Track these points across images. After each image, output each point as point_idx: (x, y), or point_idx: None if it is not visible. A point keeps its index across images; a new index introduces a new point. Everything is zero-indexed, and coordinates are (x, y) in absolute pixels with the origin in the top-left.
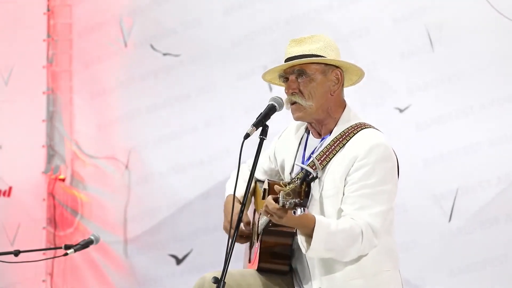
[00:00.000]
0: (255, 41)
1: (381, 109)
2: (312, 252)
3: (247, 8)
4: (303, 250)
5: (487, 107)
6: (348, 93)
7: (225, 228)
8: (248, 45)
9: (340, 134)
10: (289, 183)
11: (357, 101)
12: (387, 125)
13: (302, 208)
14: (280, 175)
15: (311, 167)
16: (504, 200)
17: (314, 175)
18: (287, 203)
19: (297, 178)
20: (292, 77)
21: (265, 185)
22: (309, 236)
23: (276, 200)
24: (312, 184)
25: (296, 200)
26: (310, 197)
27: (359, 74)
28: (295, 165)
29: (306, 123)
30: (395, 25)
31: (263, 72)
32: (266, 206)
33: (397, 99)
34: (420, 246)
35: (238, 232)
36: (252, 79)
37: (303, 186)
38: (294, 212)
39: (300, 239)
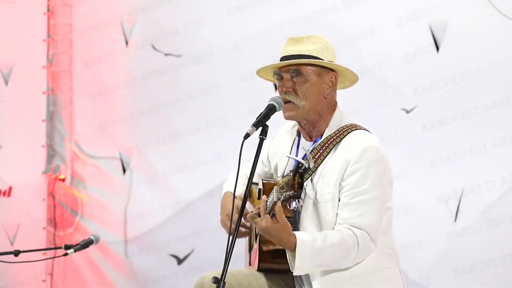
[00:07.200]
0: (260, 41)
1: (387, 110)
2: (298, 271)
3: (251, 9)
4: (290, 268)
5: (492, 107)
6: (355, 94)
7: (222, 222)
8: (252, 45)
9: (331, 135)
10: (282, 177)
11: (364, 102)
12: (394, 126)
13: (297, 200)
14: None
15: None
16: (509, 200)
17: (306, 166)
18: (282, 196)
19: (290, 171)
20: (287, 76)
21: (260, 185)
22: (293, 254)
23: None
24: (306, 186)
25: (290, 193)
26: (303, 189)
27: (352, 79)
28: (287, 166)
29: (298, 126)
30: (400, 26)
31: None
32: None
33: (404, 100)
34: (426, 245)
35: (238, 230)
36: (256, 80)
37: (296, 178)
38: (289, 205)
39: (288, 255)
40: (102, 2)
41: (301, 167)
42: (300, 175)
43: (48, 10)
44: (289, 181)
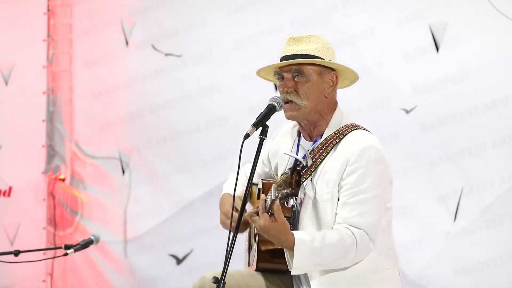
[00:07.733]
0: (260, 41)
1: (387, 110)
2: (296, 270)
3: (251, 8)
4: (289, 267)
5: (492, 107)
6: (355, 94)
7: (221, 222)
8: (252, 45)
9: (330, 135)
10: (281, 175)
11: (364, 102)
12: (394, 126)
13: (294, 198)
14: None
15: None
16: (508, 200)
17: (304, 164)
18: (279, 194)
19: (288, 169)
20: (288, 76)
21: (260, 185)
22: (292, 253)
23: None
24: (305, 186)
25: (288, 190)
26: (303, 187)
27: (352, 79)
28: (287, 166)
29: (298, 126)
30: (400, 25)
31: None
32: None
33: (404, 100)
34: (425, 245)
35: (238, 230)
36: (256, 80)
37: (294, 176)
38: (287, 203)
39: (286, 254)
40: (102, 2)
41: (299, 164)
42: (297, 172)
43: (48, 10)
44: (287, 179)
